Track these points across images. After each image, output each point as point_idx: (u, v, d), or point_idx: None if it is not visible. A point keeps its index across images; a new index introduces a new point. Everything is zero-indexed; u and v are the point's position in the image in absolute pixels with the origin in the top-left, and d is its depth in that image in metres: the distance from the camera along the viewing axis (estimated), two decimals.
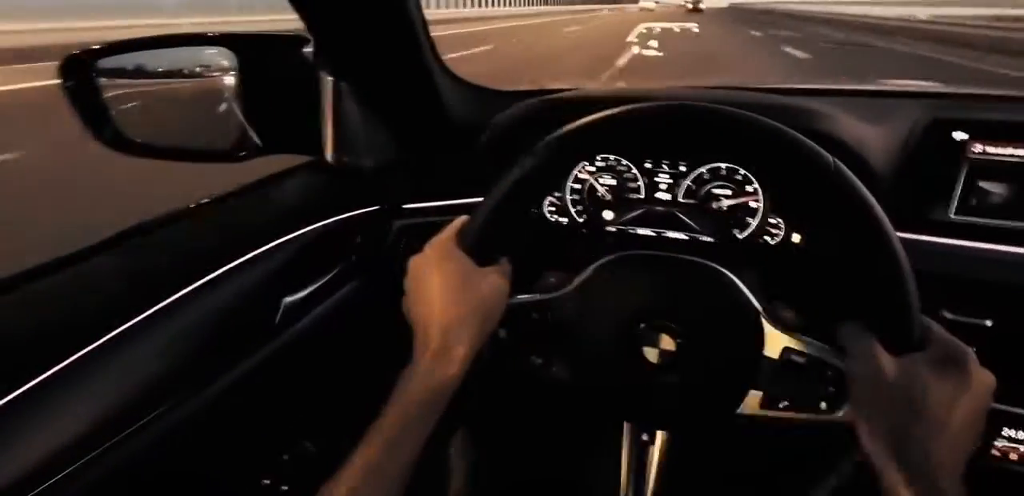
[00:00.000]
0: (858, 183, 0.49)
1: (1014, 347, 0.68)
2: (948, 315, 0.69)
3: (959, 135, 0.71)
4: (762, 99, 0.82)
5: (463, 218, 0.59)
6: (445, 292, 0.53)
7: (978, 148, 0.70)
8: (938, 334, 0.48)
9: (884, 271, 0.48)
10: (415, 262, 0.57)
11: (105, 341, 0.53)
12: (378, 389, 0.51)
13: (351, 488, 0.45)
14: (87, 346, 0.52)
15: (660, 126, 0.54)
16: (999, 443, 0.70)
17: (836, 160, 0.50)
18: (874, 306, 0.49)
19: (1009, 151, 0.69)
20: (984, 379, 0.46)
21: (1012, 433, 0.69)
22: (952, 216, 0.72)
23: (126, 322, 0.55)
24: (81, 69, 0.73)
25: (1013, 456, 0.70)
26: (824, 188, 0.49)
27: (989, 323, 0.68)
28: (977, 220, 0.72)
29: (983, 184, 0.71)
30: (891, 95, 0.94)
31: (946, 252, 0.72)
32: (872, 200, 0.49)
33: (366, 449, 0.47)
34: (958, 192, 0.72)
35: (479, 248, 0.57)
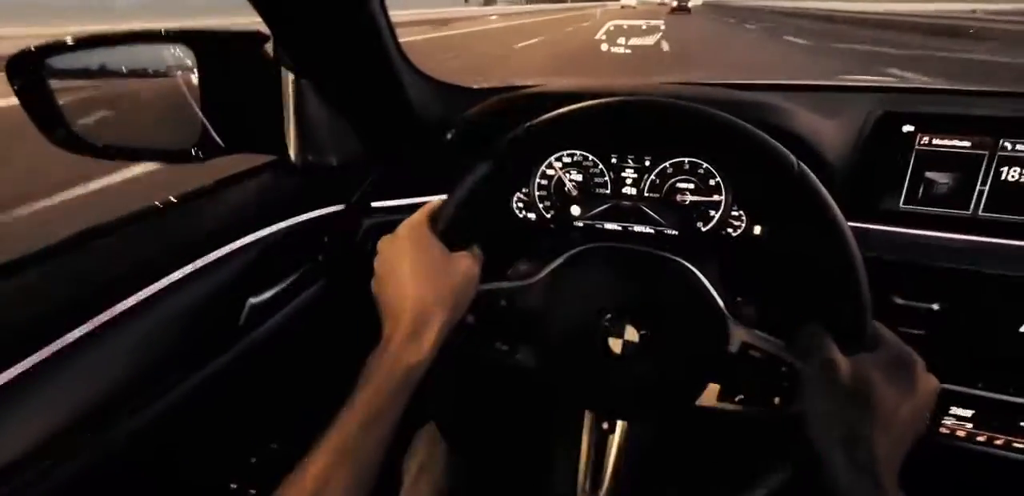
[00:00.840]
0: (820, 186, 0.50)
1: (960, 330, 0.71)
2: (899, 300, 0.72)
3: (907, 127, 0.74)
4: (724, 95, 0.84)
5: (436, 202, 0.59)
6: (417, 274, 0.53)
7: (925, 140, 0.74)
8: (889, 339, 0.50)
9: (840, 275, 0.49)
10: (386, 243, 0.56)
11: (66, 345, 0.52)
12: (347, 389, 0.50)
13: (321, 473, 0.45)
14: (48, 349, 0.51)
15: (634, 121, 0.55)
16: (947, 421, 0.73)
17: (800, 162, 0.51)
18: (829, 306, 0.51)
19: (952, 142, 0.73)
20: (929, 384, 0.48)
21: (959, 412, 0.73)
22: (901, 205, 0.76)
23: (87, 325, 0.54)
24: (31, 67, 0.71)
25: (960, 433, 0.73)
26: (787, 189, 0.51)
27: (937, 307, 0.71)
28: (924, 209, 0.75)
29: (929, 174, 0.74)
30: (845, 89, 0.98)
31: (896, 240, 0.75)
32: (833, 204, 0.50)
33: (336, 433, 0.47)
34: (907, 182, 0.75)
35: (452, 232, 0.57)
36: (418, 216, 0.57)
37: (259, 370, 0.70)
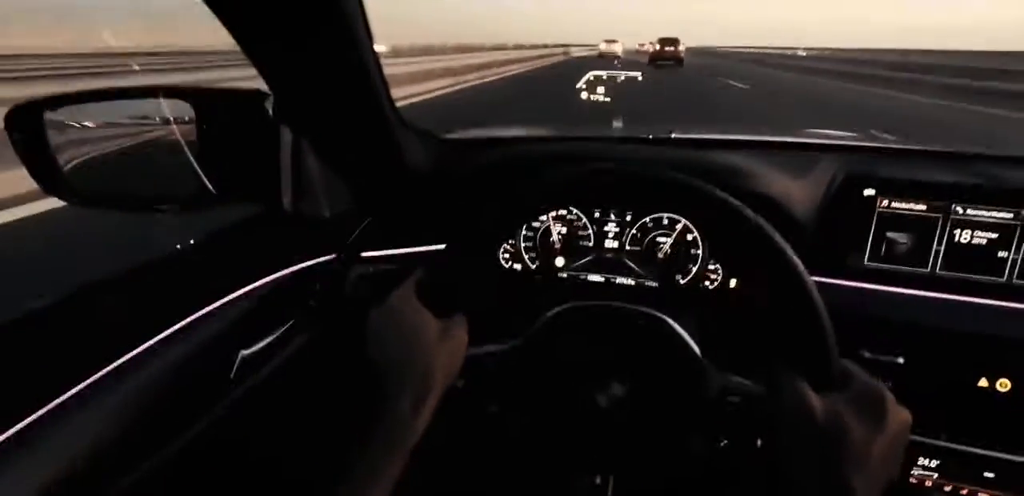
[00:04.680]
0: (778, 238, 0.54)
1: (924, 382, 0.75)
2: (866, 354, 0.76)
3: (868, 191, 0.80)
4: (699, 158, 0.89)
5: (422, 272, 0.61)
6: (413, 347, 0.54)
7: (885, 203, 0.79)
8: (858, 375, 0.52)
9: (804, 317, 0.52)
10: (378, 315, 0.58)
11: (56, 405, 0.52)
12: (335, 441, 0.51)
13: None
14: (34, 412, 0.51)
15: (610, 188, 0.59)
16: (915, 472, 0.77)
17: (759, 218, 0.55)
18: (797, 348, 0.54)
19: (910, 206, 0.79)
20: (901, 417, 0.50)
21: (926, 462, 0.76)
22: (866, 262, 0.81)
23: (76, 385, 0.54)
24: (30, 120, 0.72)
25: (928, 483, 0.76)
26: (749, 242, 0.54)
27: (901, 360, 0.75)
28: (887, 266, 0.80)
29: (891, 234, 0.80)
30: (810, 148, 1.04)
31: (862, 296, 0.79)
32: (791, 253, 0.53)
33: None
34: (870, 241, 0.80)
35: (439, 301, 0.59)
36: (406, 287, 0.59)
37: (249, 425, 0.69)
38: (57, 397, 0.52)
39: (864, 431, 0.48)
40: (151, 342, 0.60)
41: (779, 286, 0.54)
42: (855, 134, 1.35)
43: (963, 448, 0.74)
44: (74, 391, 0.53)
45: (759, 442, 0.61)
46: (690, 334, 0.64)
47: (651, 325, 0.65)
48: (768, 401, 0.56)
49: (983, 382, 0.74)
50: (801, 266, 0.53)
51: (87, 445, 0.52)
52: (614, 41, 33.13)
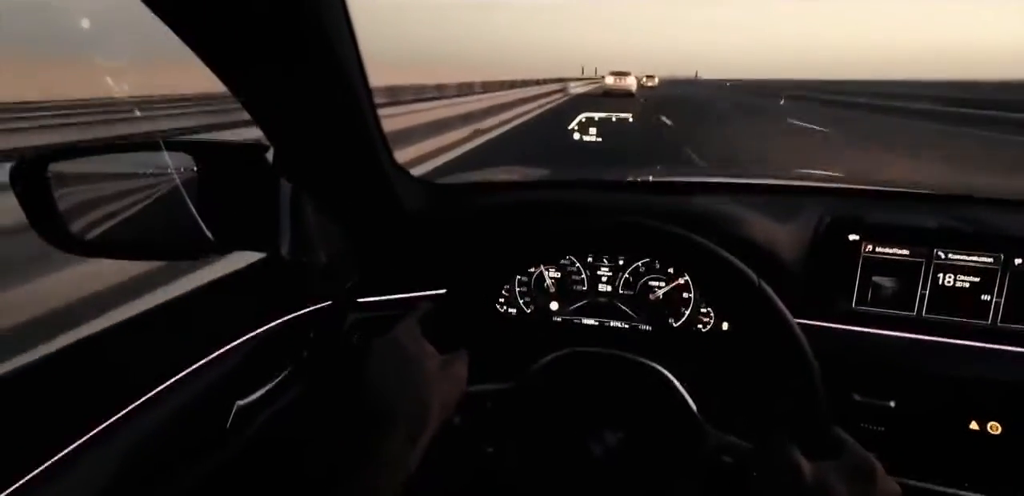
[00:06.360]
0: (777, 301, 0.55)
1: (916, 425, 0.76)
2: (858, 397, 0.77)
3: (853, 236, 0.82)
4: (690, 205, 0.91)
5: (425, 307, 0.63)
6: (412, 378, 0.55)
7: (869, 248, 0.82)
8: (850, 445, 0.53)
9: (798, 387, 0.53)
10: (379, 346, 0.58)
11: (54, 462, 0.51)
12: (329, 482, 0.51)
13: None
14: (30, 472, 0.50)
15: (614, 242, 0.61)
16: None
17: (761, 280, 0.56)
18: (790, 414, 0.55)
19: (894, 251, 0.81)
20: (890, 489, 0.51)
21: None
22: (854, 306, 0.82)
23: (72, 442, 0.54)
24: (33, 173, 0.74)
25: None
26: (749, 303, 0.56)
27: (892, 404, 0.76)
28: (874, 310, 0.82)
29: (876, 278, 0.82)
30: (797, 190, 1.07)
31: (851, 339, 0.81)
32: (791, 321, 0.55)
33: None
34: (857, 285, 0.82)
35: (442, 336, 0.60)
36: (409, 320, 0.60)
37: (246, 476, 0.69)
38: (52, 455, 0.51)
39: None
40: (148, 396, 0.60)
41: (777, 354, 0.55)
42: (840, 175, 1.39)
43: (958, 492, 0.74)
44: (70, 448, 0.53)
45: None
46: (686, 386, 0.65)
47: (646, 376, 0.66)
48: (760, 465, 0.57)
49: (974, 425, 0.75)
50: (801, 335, 0.54)
51: None
52: (625, 74, 25.25)
